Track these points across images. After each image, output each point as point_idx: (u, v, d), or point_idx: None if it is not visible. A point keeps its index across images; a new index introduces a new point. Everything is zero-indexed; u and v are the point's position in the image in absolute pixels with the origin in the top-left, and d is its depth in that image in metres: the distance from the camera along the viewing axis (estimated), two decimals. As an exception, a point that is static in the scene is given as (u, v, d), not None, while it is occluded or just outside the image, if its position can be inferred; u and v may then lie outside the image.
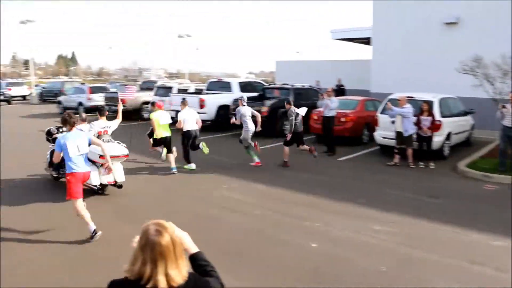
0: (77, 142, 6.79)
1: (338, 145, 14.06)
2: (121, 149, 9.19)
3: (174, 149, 11.77)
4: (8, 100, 36.65)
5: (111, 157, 8.04)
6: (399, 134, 12.13)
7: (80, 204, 6.83)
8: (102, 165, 8.45)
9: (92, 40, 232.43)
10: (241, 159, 12.72)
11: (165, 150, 11.87)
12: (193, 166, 11.65)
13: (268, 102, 16.61)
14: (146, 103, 22.70)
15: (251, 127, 12.03)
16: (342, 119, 14.58)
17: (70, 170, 6.79)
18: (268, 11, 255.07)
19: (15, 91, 40.51)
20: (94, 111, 25.10)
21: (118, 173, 9.06)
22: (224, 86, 20.06)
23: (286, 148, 11.90)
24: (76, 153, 6.75)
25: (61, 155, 6.86)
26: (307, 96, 18.02)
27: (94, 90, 26.88)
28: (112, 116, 10.18)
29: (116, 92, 23.22)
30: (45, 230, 7.09)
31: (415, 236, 6.95)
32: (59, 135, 8.36)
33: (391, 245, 6.54)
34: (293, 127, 11.67)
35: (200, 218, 7.80)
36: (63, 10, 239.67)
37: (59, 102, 28.54)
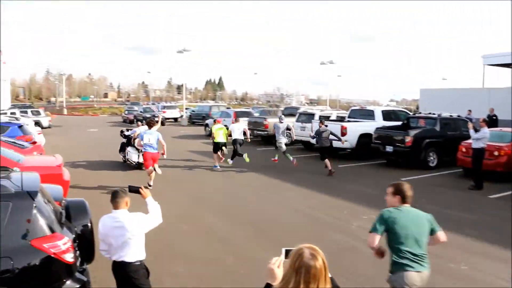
0: (150, 136, 12.38)
1: (489, 181, 13.08)
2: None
3: (225, 150, 16.25)
4: (162, 122, 40.11)
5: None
6: None
7: (150, 169, 12.36)
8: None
9: (239, 66, 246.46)
10: (383, 190, 12.42)
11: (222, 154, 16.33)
12: (246, 158, 16.28)
13: (412, 132, 16.05)
14: (288, 129, 23.30)
15: (283, 140, 16.03)
16: (495, 153, 13.51)
17: (144, 151, 12.51)
18: (410, 38, 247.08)
19: (168, 113, 44.32)
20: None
21: None
22: (367, 114, 19.80)
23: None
24: (147, 142, 12.28)
25: (142, 142, 12.52)
26: (455, 127, 17.05)
27: (238, 115, 28.33)
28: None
29: (261, 118, 24.28)
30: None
31: None
32: (142, 130, 13.92)
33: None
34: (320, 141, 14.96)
35: (338, 248, 7.78)
36: (213, 40, 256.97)
37: (206, 125, 30.54)
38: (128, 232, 4.43)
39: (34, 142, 14.68)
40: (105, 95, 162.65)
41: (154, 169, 12.42)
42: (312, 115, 21.51)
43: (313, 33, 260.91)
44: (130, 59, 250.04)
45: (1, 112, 33.39)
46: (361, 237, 8.30)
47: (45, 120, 35.03)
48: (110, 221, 4.52)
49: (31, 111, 38.32)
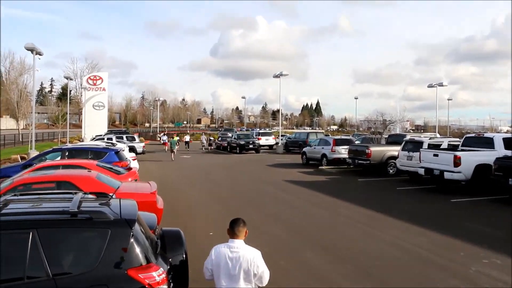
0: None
1: None
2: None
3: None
4: (257, 149, 40.79)
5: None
6: None
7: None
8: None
9: (338, 91, 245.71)
10: (507, 230, 11.56)
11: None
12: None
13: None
14: (393, 158, 22.64)
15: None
16: None
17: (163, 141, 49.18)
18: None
19: (263, 140, 45.02)
20: (337, 163, 26.40)
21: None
22: (485, 142, 18.71)
23: None
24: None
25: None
26: None
27: (338, 143, 27.96)
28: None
29: (363, 146, 23.92)
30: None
31: None
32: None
33: None
34: None
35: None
36: (310, 64, 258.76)
37: (303, 153, 30.46)
38: (242, 264, 4.38)
39: (130, 168, 15.48)
40: (198, 121, 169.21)
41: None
42: (420, 143, 20.70)
43: (419, 52, 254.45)
44: (225, 84, 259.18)
45: (98, 137, 36.02)
46: (481, 284, 7.73)
47: (139, 146, 37.17)
48: (226, 251, 4.45)
49: (126, 136, 40.83)
